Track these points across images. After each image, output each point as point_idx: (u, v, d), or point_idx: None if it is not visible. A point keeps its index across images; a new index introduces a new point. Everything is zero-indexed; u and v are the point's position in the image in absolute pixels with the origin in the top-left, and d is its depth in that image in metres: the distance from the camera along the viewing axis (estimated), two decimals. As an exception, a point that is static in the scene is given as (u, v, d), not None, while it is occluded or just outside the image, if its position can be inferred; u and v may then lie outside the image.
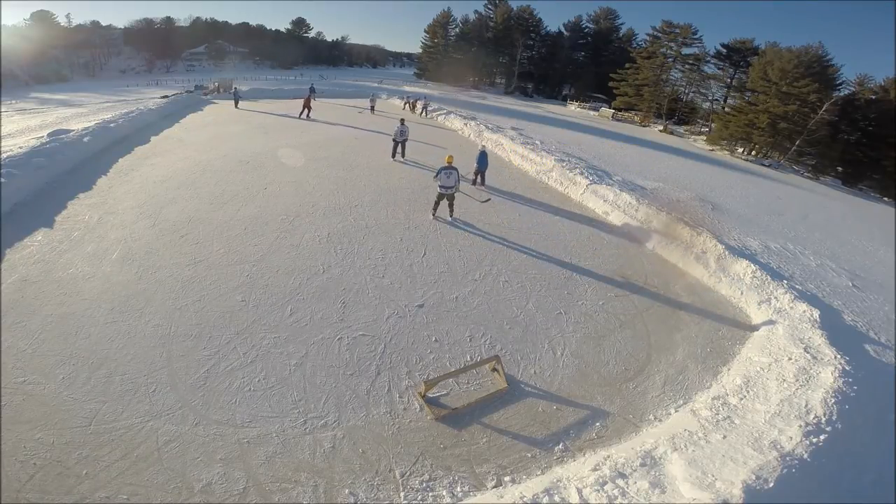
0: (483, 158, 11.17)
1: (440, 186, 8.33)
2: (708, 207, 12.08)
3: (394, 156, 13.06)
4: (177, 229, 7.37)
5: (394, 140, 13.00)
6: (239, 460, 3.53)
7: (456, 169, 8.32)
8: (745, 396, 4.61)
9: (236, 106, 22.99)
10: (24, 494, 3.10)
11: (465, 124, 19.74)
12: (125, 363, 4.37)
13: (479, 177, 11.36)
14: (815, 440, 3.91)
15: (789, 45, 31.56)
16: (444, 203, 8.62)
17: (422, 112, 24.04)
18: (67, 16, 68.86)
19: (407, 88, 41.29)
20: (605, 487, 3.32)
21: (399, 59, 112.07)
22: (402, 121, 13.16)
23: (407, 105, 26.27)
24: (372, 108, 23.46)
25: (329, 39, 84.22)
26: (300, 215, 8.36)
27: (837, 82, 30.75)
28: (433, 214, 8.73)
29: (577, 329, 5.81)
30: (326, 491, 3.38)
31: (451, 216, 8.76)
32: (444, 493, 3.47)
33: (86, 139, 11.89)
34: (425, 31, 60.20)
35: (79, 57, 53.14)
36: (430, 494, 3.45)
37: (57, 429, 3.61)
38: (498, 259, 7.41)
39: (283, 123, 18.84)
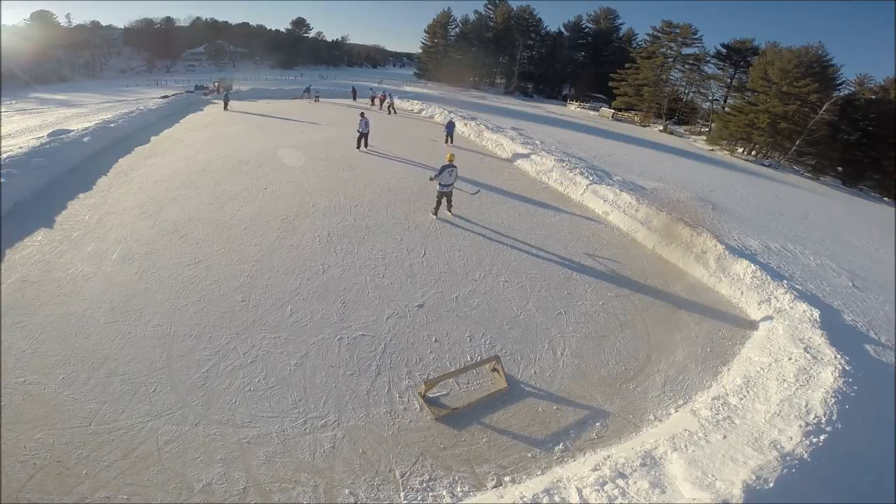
0: (450, 126, 16.38)
1: (441, 185, 8.34)
2: (708, 207, 12.08)
3: (359, 147, 13.82)
4: (177, 229, 7.37)
5: (361, 132, 13.71)
6: (239, 460, 3.53)
7: (455, 167, 8.34)
8: (745, 396, 4.61)
9: (225, 108, 21.98)
10: (24, 494, 3.10)
11: (466, 124, 19.72)
12: (125, 363, 4.38)
13: (449, 138, 16.07)
14: (815, 440, 3.91)
15: (789, 45, 31.60)
16: (443, 200, 8.66)
17: (389, 109, 23.54)
18: (67, 16, 69.11)
19: (407, 88, 41.35)
20: (605, 487, 3.32)
21: (399, 59, 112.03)
22: (363, 114, 14.24)
23: (374, 100, 26.84)
24: (316, 98, 27.53)
25: (329, 39, 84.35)
26: (300, 215, 8.36)
27: (837, 82, 30.71)
28: (436, 214, 8.74)
29: (577, 329, 5.81)
30: (326, 491, 3.38)
31: (449, 210, 8.90)
32: (444, 493, 3.47)
33: (86, 139, 11.90)
34: (425, 31, 60.25)
35: (79, 57, 53.17)
36: (430, 494, 3.45)
37: (57, 429, 3.61)
38: (498, 259, 7.41)
39: (283, 123, 18.84)
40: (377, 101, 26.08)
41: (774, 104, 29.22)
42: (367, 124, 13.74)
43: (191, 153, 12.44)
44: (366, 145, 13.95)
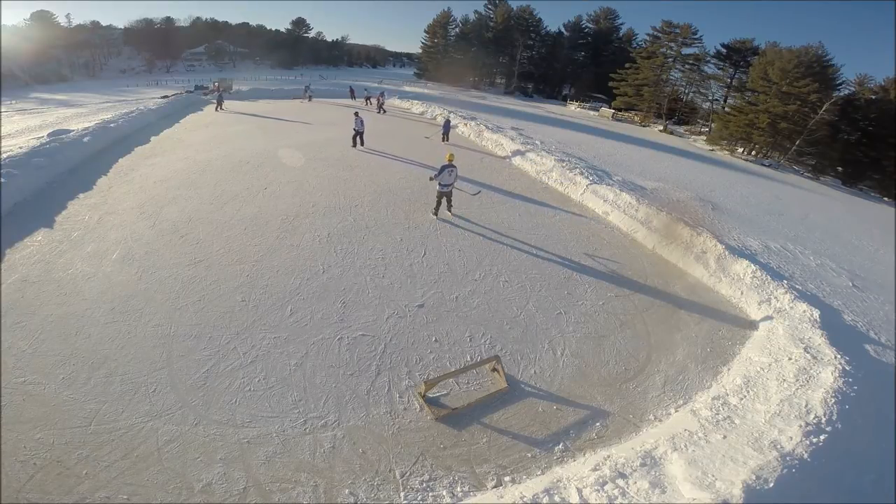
0: (447, 124, 17.00)
1: (441, 185, 8.34)
2: (708, 207, 12.08)
3: (354, 145, 14.15)
4: (177, 229, 7.37)
5: (356, 130, 14.05)
6: (239, 460, 3.53)
7: (455, 167, 8.34)
8: (745, 396, 4.61)
9: (217, 108, 21.49)
10: (24, 494, 3.10)
11: (466, 124, 19.73)
12: (125, 363, 4.38)
13: (445, 136, 16.58)
14: (815, 440, 3.91)
15: (789, 45, 31.62)
16: (443, 200, 8.66)
17: (379, 108, 23.48)
18: (67, 16, 69.20)
19: (407, 88, 41.40)
20: (605, 487, 3.32)
21: (399, 59, 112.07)
22: (357, 113, 14.37)
23: (369, 100, 26.65)
24: (309, 98, 27.81)
25: (329, 39, 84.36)
26: (300, 215, 8.36)
27: (837, 82, 30.73)
28: (436, 214, 8.74)
29: (577, 329, 5.81)
30: (326, 491, 3.38)
31: (449, 210, 8.91)
32: (444, 493, 3.47)
33: (86, 139, 11.90)
34: (425, 31, 60.26)
35: (79, 57, 53.17)
36: (430, 494, 3.45)
37: (57, 429, 3.61)
38: (498, 259, 7.41)
39: (282, 124, 18.84)
40: (372, 101, 25.77)
41: (774, 104, 29.23)
42: (361, 123, 14.05)
43: (191, 153, 12.44)
44: (361, 143, 14.18)
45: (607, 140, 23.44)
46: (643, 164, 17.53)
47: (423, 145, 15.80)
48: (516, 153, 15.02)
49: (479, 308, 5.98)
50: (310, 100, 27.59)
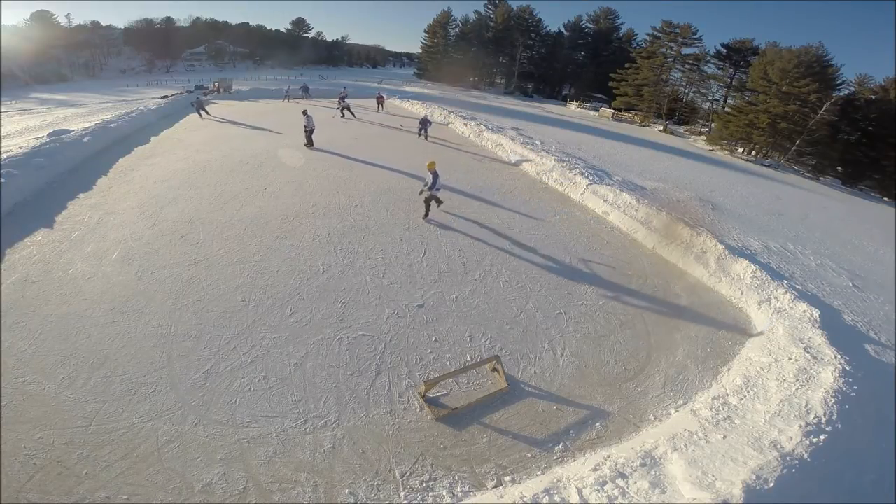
0: (425, 120, 17.01)
1: (434, 189, 8.34)
2: (708, 207, 12.08)
3: (310, 144, 13.95)
4: (177, 229, 7.37)
5: (307, 128, 13.84)
6: (239, 460, 3.53)
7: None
8: (745, 396, 4.61)
9: (200, 113, 19.33)
10: (24, 494, 3.11)
11: (466, 124, 19.72)
12: (125, 363, 4.38)
13: (423, 132, 16.65)
14: (815, 440, 3.91)
15: (789, 45, 31.60)
16: (432, 203, 8.66)
17: (342, 112, 21.00)
18: (67, 16, 69.18)
19: (407, 88, 41.41)
20: (605, 487, 3.32)
21: (399, 59, 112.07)
22: (305, 111, 14.21)
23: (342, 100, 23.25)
24: (286, 98, 27.41)
25: (329, 39, 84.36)
26: (300, 215, 8.36)
27: (837, 82, 30.67)
28: (428, 217, 8.70)
29: (577, 329, 5.81)
30: (326, 491, 3.38)
31: (438, 206, 8.95)
32: (444, 493, 3.47)
33: (86, 139, 11.90)
34: (425, 31, 60.19)
35: (79, 57, 53.14)
36: (430, 494, 3.45)
37: (57, 429, 3.61)
38: (498, 259, 7.41)
39: (281, 124, 18.81)
40: (343, 101, 22.21)
41: (774, 104, 29.21)
42: (310, 120, 13.93)
43: (191, 153, 12.43)
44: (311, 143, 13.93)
45: (607, 140, 23.42)
46: (643, 164, 17.52)
47: (420, 145, 15.81)
48: (516, 153, 15.04)
49: (479, 308, 5.98)
50: (287, 100, 27.04)
